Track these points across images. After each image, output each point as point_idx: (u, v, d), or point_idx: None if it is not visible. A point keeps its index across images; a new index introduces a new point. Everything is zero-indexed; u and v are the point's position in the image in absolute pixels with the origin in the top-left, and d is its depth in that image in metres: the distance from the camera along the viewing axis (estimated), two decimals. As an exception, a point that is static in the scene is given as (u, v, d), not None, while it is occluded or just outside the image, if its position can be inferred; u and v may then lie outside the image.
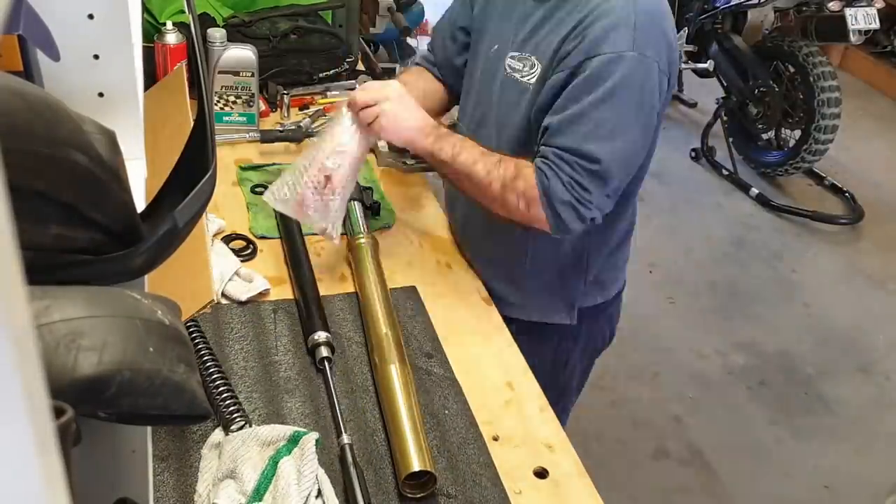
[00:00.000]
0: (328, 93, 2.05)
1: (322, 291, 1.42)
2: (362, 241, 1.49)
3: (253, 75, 1.81)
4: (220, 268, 1.42)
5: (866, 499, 2.40)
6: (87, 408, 0.49)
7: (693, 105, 4.46)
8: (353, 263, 1.48)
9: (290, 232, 1.54)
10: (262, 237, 1.56)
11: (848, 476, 2.50)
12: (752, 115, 3.80)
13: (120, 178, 0.57)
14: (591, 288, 1.54)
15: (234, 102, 1.83)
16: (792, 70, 3.64)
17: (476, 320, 1.46)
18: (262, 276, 1.44)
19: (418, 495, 1.12)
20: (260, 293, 1.42)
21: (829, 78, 3.48)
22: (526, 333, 1.47)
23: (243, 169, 1.75)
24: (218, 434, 1.14)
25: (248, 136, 1.84)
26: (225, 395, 1.18)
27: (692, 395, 2.75)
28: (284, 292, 1.44)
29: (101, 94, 0.80)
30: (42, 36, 0.70)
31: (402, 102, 1.37)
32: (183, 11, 1.93)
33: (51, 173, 0.51)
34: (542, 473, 1.19)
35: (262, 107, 1.92)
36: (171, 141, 0.88)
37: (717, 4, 3.82)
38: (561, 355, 1.59)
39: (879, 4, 3.65)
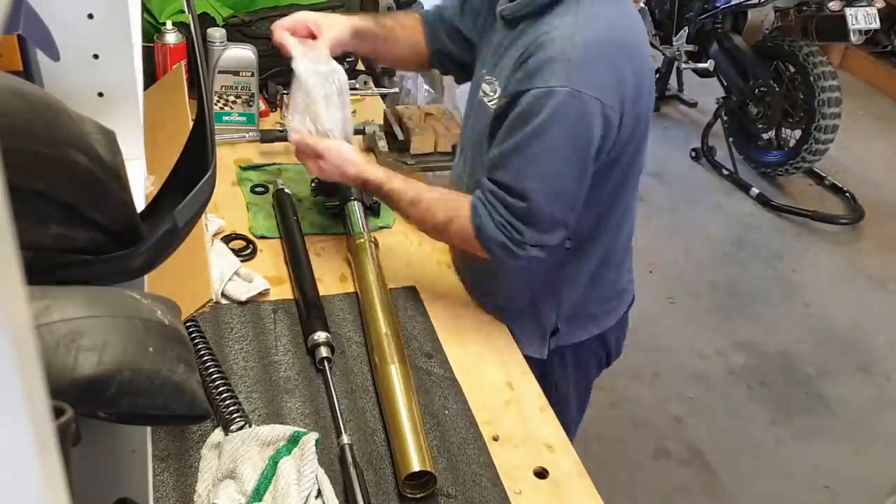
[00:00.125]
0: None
1: (322, 291, 1.42)
2: (362, 241, 1.49)
3: (253, 75, 1.81)
4: (219, 268, 1.42)
5: (866, 499, 2.40)
6: (87, 408, 0.49)
7: (693, 105, 4.46)
8: (353, 263, 1.48)
9: (290, 232, 1.54)
10: (262, 237, 1.56)
11: (848, 476, 2.50)
12: (753, 114, 3.80)
13: (120, 178, 0.57)
14: (572, 324, 1.48)
15: (234, 102, 1.83)
16: (792, 70, 3.64)
17: (476, 320, 1.46)
18: (262, 276, 1.44)
19: (418, 495, 1.12)
20: (260, 293, 1.42)
21: (830, 78, 3.48)
22: None
23: (243, 169, 1.75)
24: (218, 434, 1.14)
25: (248, 135, 1.84)
26: (225, 395, 1.18)
27: (692, 395, 2.75)
28: (284, 292, 1.44)
29: (100, 94, 0.80)
30: (42, 36, 0.70)
31: (323, 162, 1.42)
32: (183, 11, 1.93)
33: (51, 173, 0.51)
34: (542, 473, 1.19)
35: (262, 107, 1.92)
36: (170, 140, 0.88)
37: (718, 4, 3.82)
38: (549, 386, 1.50)
39: (880, 4, 3.64)
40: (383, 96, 2.18)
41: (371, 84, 2.13)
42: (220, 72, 1.78)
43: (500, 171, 1.27)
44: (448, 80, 3.34)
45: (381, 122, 1.91)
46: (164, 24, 1.81)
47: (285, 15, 2.01)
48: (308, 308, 1.36)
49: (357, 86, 2.09)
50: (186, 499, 1.07)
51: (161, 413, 0.54)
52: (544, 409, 1.30)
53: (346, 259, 1.53)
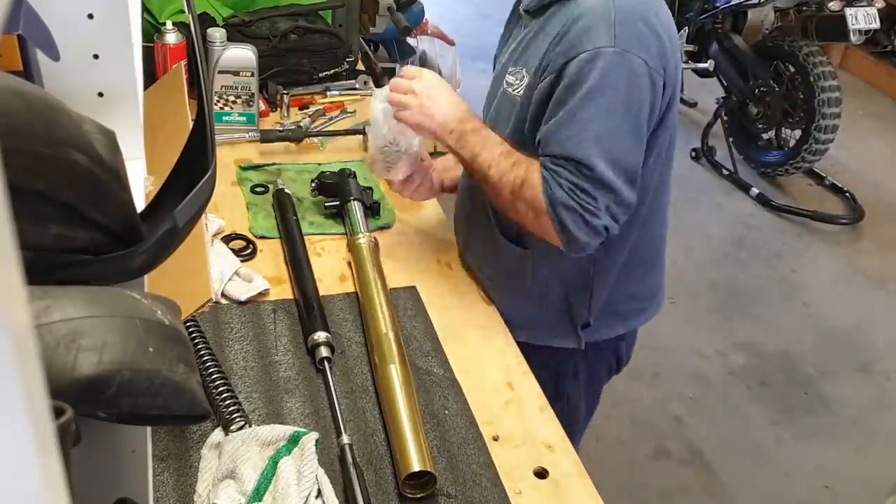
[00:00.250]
0: (328, 93, 2.05)
1: (322, 291, 1.42)
2: (362, 241, 1.49)
3: (253, 75, 1.81)
4: (219, 268, 1.42)
5: (866, 499, 2.40)
6: (87, 408, 0.49)
7: (693, 105, 4.46)
8: (353, 263, 1.48)
9: (290, 232, 1.54)
10: (262, 237, 1.56)
11: (848, 476, 2.50)
12: (753, 114, 3.80)
13: (120, 178, 0.57)
14: (603, 317, 1.45)
15: (234, 102, 1.83)
16: (792, 70, 3.64)
17: (476, 320, 1.46)
18: (262, 276, 1.44)
19: (418, 495, 1.12)
20: (260, 293, 1.42)
21: (830, 78, 3.48)
22: (526, 360, 1.41)
23: (243, 169, 1.75)
24: (218, 434, 1.14)
25: (248, 135, 1.84)
26: (225, 395, 1.18)
27: (692, 395, 2.75)
28: (284, 292, 1.44)
29: (101, 94, 0.80)
30: (42, 36, 0.70)
31: (430, 93, 1.33)
32: (183, 11, 1.93)
33: (51, 173, 0.51)
34: (542, 473, 1.19)
35: (262, 107, 1.93)
36: (170, 140, 0.88)
37: (718, 4, 3.82)
38: (560, 390, 1.51)
39: (880, 4, 3.64)
40: (383, 96, 2.18)
41: (371, 84, 2.13)
42: (220, 72, 1.79)
43: (554, 144, 1.22)
44: (448, 80, 3.34)
45: (381, 122, 1.90)
46: (164, 24, 1.82)
47: (285, 15, 2.03)
48: (308, 308, 1.36)
49: (357, 86, 2.10)
50: (186, 499, 1.07)
51: (161, 413, 0.54)
52: (544, 408, 1.30)
53: (346, 259, 1.53)
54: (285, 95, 1.94)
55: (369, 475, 1.13)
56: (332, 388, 1.24)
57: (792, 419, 2.70)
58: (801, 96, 3.60)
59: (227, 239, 1.54)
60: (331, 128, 1.94)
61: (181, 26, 1.82)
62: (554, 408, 1.32)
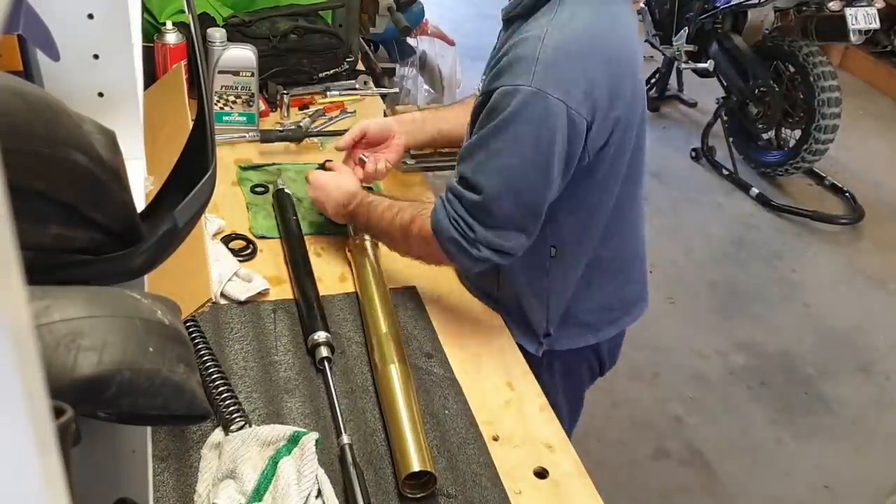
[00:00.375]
0: (328, 93, 2.05)
1: (322, 291, 1.42)
2: (362, 241, 1.49)
3: (253, 75, 1.81)
4: (219, 268, 1.42)
5: (866, 499, 2.40)
6: (87, 408, 0.49)
7: (693, 105, 4.46)
8: (353, 263, 1.48)
9: (290, 232, 1.54)
10: (262, 237, 1.56)
11: (848, 476, 2.50)
12: (753, 114, 3.80)
13: (120, 178, 0.57)
14: (564, 328, 1.46)
15: (234, 102, 1.83)
16: (792, 70, 3.64)
17: (476, 320, 1.46)
18: (262, 276, 1.44)
19: (418, 495, 1.12)
20: (259, 293, 1.42)
21: (830, 78, 3.48)
22: None
23: (243, 169, 1.75)
24: (218, 434, 1.14)
25: (248, 135, 1.84)
26: (225, 395, 1.18)
27: (692, 395, 2.75)
28: (284, 292, 1.44)
29: (101, 94, 0.80)
30: (42, 36, 0.70)
31: (320, 199, 1.53)
32: (183, 11, 1.93)
33: (51, 173, 0.51)
34: (542, 473, 1.19)
35: (262, 107, 1.92)
36: (170, 140, 0.88)
37: (718, 4, 3.82)
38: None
39: (879, 4, 3.64)
40: (383, 96, 2.18)
41: (371, 84, 2.13)
42: (220, 72, 1.78)
43: (462, 164, 1.28)
44: (448, 80, 3.34)
45: (381, 122, 1.90)
46: (164, 24, 1.81)
47: (285, 15, 2.03)
48: (308, 308, 1.36)
49: (357, 86, 2.10)
50: (186, 499, 1.07)
51: (161, 413, 0.54)
52: (544, 408, 1.30)
53: (346, 259, 1.53)
54: (285, 95, 1.94)
55: (369, 475, 1.13)
56: (332, 388, 1.24)
57: (792, 419, 2.70)
58: (801, 96, 3.60)
59: (227, 239, 1.54)
60: (331, 128, 1.93)
61: (181, 26, 1.82)
62: None
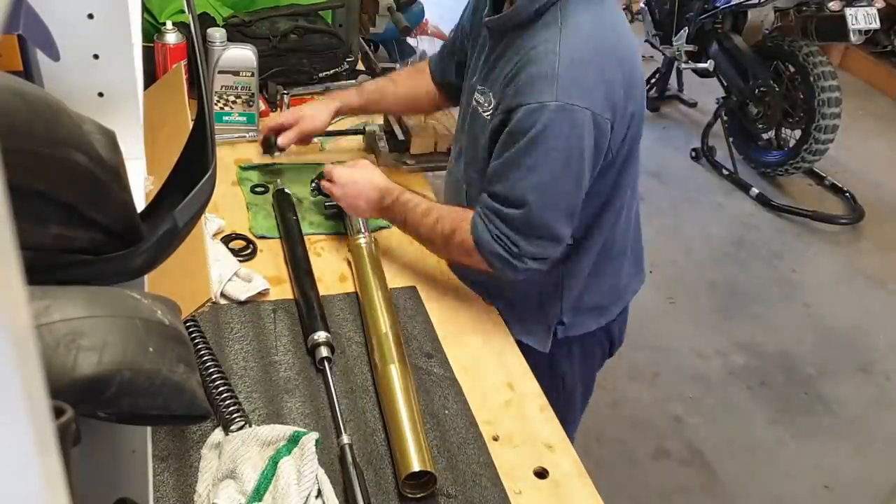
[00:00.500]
0: (328, 92, 2.05)
1: (322, 291, 1.42)
2: (362, 241, 1.49)
3: (253, 75, 1.81)
4: (219, 268, 1.42)
5: (866, 499, 2.40)
6: (87, 408, 0.49)
7: (693, 105, 4.45)
8: (353, 263, 1.48)
9: (290, 232, 1.54)
10: (262, 237, 1.56)
11: (848, 476, 2.50)
12: (753, 114, 3.79)
13: (120, 178, 0.57)
14: (577, 315, 1.51)
15: (234, 102, 1.83)
16: (792, 70, 3.64)
17: (476, 320, 1.46)
18: (262, 276, 1.44)
19: (418, 495, 1.12)
20: (259, 293, 1.41)
21: (830, 78, 3.48)
22: (523, 348, 1.46)
23: (243, 169, 1.75)
24: (218, 434, 1.14)
25: (248, 136, 1.84)
26: (225, 395, 1.18)
27: (692, 395, 2.75)
28: (284, 292, 1.44)
29: (101, 94, 0.80)
30: (42, 36, 0.70)
31: (346, 192, 1.50)
32: (183, 11, 1.93)
33: (51, 173, 0.51)
34: (542, 473, 1.19)
35: (262, 107, 1.92)
36: (170, 140, 0.88)
37: (718, 4, 3.81)
38: (557, 374, 1.56)
39: (879, 4, 3.64)
40: (383, 96, 2.18)
41: (371, 84, 2.13)
42: (220, 72, 1.78)
43: (496, 184, 1.31)
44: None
45: (381, 122, 1.91)
46: (164, 24, 1.81)
47: (285, 15, 2.03)
48: (308, 308, 1.36)
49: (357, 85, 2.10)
50: (186, 499, 1.07)
51: (161, 413, 0.54)
52: (544, 408, 1.30)
53: (346, 259, 1.53)
54: (285, 95, 1.94)
55: (369, 475, 1.13)
56: (332, 388, 1.24)
57: (792, 419, 2.70)
58: (801, 96, 3.60)
59: (227, 239, 1.54)
60: (331, 128, 1.93)
61: (181, 26, 1.82)
62: (550, 398, 1.34)
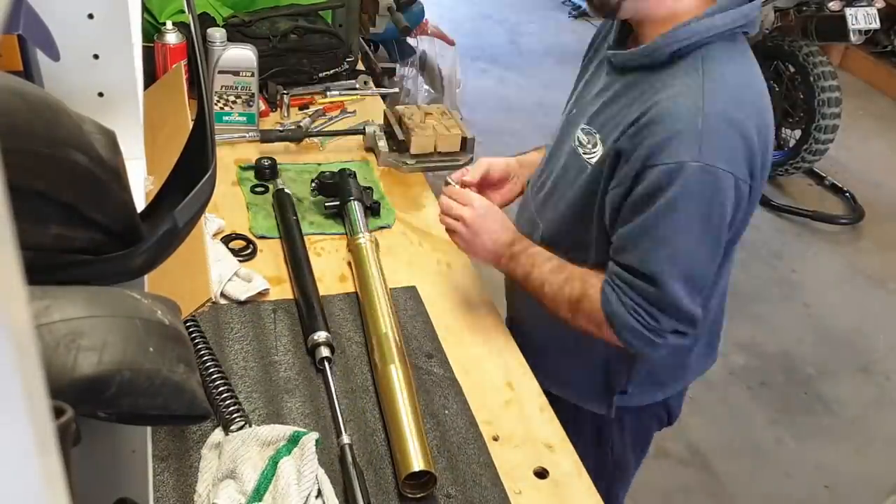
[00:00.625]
0: (328, 93, 2.05)
1: (322, 291, 1.42)
2: (362, 241, 1.49)
3: (253, 75, 1.81)
4: (219, 268, 1.42)
5: (866, 499, 2.40)
6: (87, 408, 0.49)
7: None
8: (353, 263, 1.48)
9: (290, 232, 1.54)
10: (262, 237, 1.56)
11: (848, 476, 2.50)
12: (752, 114, 3.79)
13: (120, 178, 0.57)
14: (643, 386, 1.40)
15: (234, 102, 1.83)
16: (792, 70, 3.64)
17: (476, 320, 1.46)
18: (262, 276, 1.44)
19: (418, 495, 1.12)
20: (259, 293, 1.41)
21: (830, 78, 3.48)
22: (565, 412, 1.33)
23: (243, 169, 1.75)
24: (218, 434, 1.14)
25: (248, 135, 1.84)
26: (225, 395, 1.18)
27: (692, 395, 2.75)
28: (284, 292, 1.44)
29: (101, 94, 0.80)
30: (42, 36, 0.70)
31: (477, 226, 1.34)
32: (183, 11, 1.93)
33: (51, 173, 0.51)
34: (542, 473, 1.19)
35: (262, 107, 1.92)
36: (170, 140, 0.88)
37: (717, 4, 3.81)
38: (605, 443, 1.46)
39: (880, 4, 3.64)
40: (383, 96, 2.18)
41: (371, 84, 2.13)
42: (220, 72, 1.79)
43: (626, 254, 1.18)
44: (448, 80, 3.34)
45: (382, 122, 1.91)
46: (164, 24, 1.81)
47: (285, 15, 2.03)
48: (308, 308, 1.36)
49: (357, 86, 2.10)
50: (186, 499, 1.07)
51: (161, 413, 0.54)
52: (544, 408, 1.30)
53: (346, 259, 1.53)
54: (285, 95, 1.94)
55: (369, 475, 1.13)
56: (332, 388, 1.24)
57: (792, 419, 2.70)
58: (801, 96, 3.60)
59: (227, 239, 1.54)
60: (331, 128, 1.94)
61: (181, 26, 1.82)
62: (597, 453, 1.27)
